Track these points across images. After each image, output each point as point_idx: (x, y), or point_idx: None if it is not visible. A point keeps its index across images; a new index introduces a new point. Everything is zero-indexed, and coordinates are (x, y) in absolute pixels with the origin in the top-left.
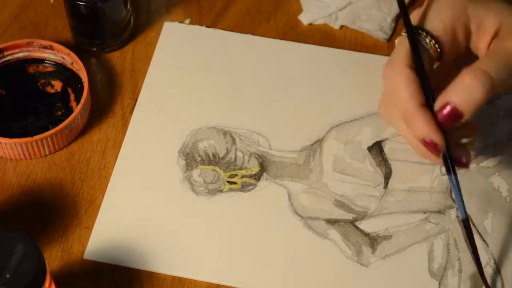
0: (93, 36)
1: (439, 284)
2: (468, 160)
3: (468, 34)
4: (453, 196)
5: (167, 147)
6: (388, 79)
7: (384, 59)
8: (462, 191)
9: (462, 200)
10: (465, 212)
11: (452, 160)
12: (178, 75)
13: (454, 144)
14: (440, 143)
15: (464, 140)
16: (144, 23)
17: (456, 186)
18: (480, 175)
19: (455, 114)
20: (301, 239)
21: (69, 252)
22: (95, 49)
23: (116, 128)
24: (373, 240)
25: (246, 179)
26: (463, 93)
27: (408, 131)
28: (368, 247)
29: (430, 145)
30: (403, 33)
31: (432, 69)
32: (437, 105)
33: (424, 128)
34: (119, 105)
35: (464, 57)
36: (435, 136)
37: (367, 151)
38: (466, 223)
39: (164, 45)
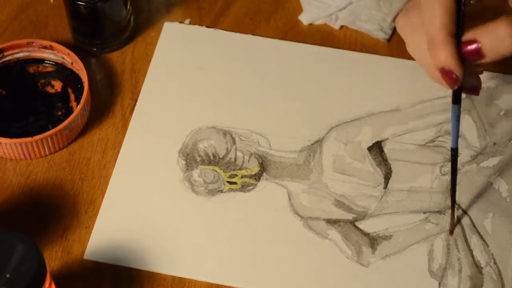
0: (93, 36)
1: (439, 284)
2: (478, 87)
3: None
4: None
5: (167, 147)
6: (427, 0)
7: (384, 59)
8: (463, 191)
9: (458, 131)
10: (457, 142)
11: (461, 90)
12: (178, 75)
13: (468, 72)
14: (459, 76)
15: (480, 69)
16: (144, 23)
17: (457, 116)
18: (480, 175)
19: (478, 53)
20: (301, 239)
21: (69, 252)
22: (95, 49)
23: (116, 128)
24: (373, 240)
25: (246, 179)
26: (493, 38)
27: (424, 53)
28: (368, 247)
29: (448, 75)
30: None
31: (469, 3)
32: (464, 38)
33: (448, 58)
34: (119, 105)
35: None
36: (456, 69)
37: (367, 151)
38: (454, 153)
39: (164, 45)
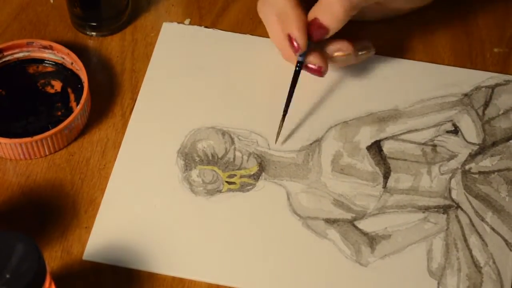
0: (91, 17)
1: (438, 283)
2: (321, 68)
3: None
4: (452, 196)
5: (166, 147)
6: None
7: (383, 58)
8: (461, 191)
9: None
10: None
11: (303, 63)
12: (177, 75)
13: (318, 54)
14: (302, 45)
15: (338, 53)
16: (144, 23)
17: (293, 83)
18: (479, 175)
19: (321, 28)
20: (300, 239)
21: (69, 252)
22: (94, 33)
23: (116, 128)
24: (372, 240)
25: (245, 179)
26: (326, 10)
27: (277, 29)
28: (367, 246)
29: (291, 42)
30: None
31: None
32: (308, 18)
33: (293, 25)
34: (119, 105)
35: None
36: (299, 36)
37: (366, 150)
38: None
39: (163, 46)
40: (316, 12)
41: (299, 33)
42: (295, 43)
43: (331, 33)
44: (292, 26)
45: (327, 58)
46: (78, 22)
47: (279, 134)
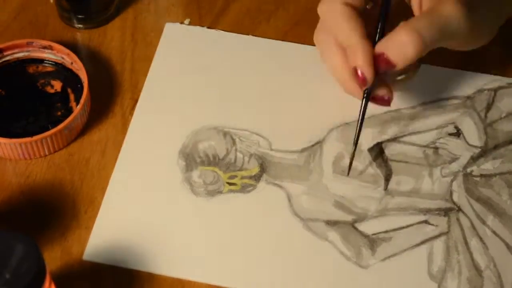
0: (78, 9)
1: (439, 286)
2: (389, 98)
3: None
4: (454, 199)
5: (167, 148)
6: (325, 14)
7: None
8: (463, 194)
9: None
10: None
11: (370, 95)
12: (179, 75)
13: (384, 84)
14: (369, 79)
15: (400, 77)
16: (143, 23)
17: (361, 116)
18: (481, 178)
19: (388, 64)
20: (301, 241)
21: (69, 252)
22: (81, 26)
23: (116, 128)
24: (372, 242)
25: (246, 180)
26: (397, 48)
27: (339, 61)
28: (367, 249)
29: (358, 77)
30: None
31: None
32: (375, 49)
33: (360, 58)
34: (119, 105)
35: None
36: (367, 70)
37: (367, 152)
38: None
39: (165, 46)
40: (385, 48)
41: (367, 67)
42: (361, 77)
43: (397, 69)
44: (359, 59)
45: (391, 86)
46: (65, 15)
47: (351, 165)
